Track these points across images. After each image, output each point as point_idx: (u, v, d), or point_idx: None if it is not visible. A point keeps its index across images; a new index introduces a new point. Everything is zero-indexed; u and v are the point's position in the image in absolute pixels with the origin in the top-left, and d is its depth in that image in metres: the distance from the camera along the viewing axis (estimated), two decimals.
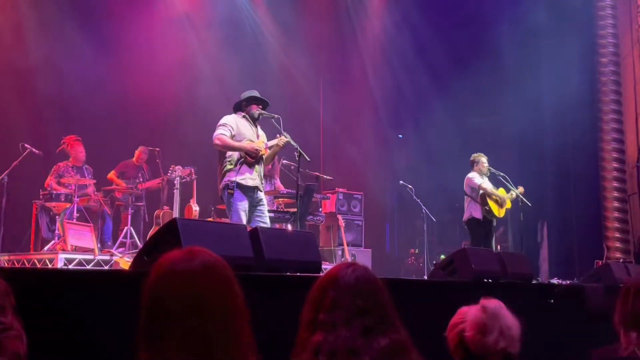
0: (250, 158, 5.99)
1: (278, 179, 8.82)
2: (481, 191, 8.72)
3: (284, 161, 8.73)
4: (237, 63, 10.40)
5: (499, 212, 8.78)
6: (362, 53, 12.03)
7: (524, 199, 8.89)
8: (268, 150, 6.17)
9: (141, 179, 9.04)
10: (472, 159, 9.02)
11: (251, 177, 6.00)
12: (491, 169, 8.92)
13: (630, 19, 11.33)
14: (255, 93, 6.28)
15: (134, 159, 9.33)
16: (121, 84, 9.48)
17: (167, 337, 1.37)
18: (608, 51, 11.25)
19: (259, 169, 6.09)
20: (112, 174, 9.09)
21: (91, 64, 9.40)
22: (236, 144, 6.00)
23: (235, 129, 6.05)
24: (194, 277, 1.43)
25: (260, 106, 6.24)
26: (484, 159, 8.94)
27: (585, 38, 11.14)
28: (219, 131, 6.01)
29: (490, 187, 8.82)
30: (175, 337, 1.37)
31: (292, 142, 6.11)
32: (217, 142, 6.00)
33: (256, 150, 5.99)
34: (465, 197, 8.93)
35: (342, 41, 11.74)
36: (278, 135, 6.19)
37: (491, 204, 8.73)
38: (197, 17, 10.73)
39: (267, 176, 8.68)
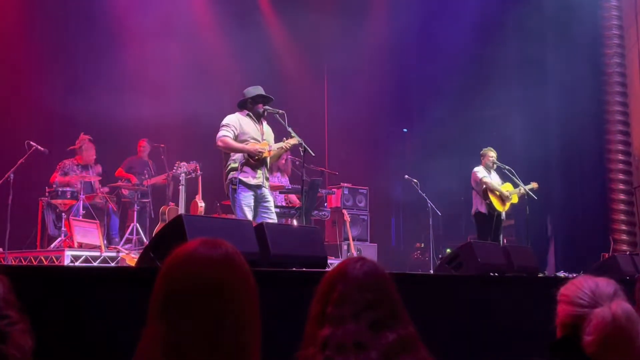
0: (253, 160, 5.99)
1: (287, 177, 8.82)
2: (484, 185, 8.73)
3: (290, 157, 8.73)
4: (240, 57, 10.39)
5: (500, 207, 8.76)
6: (366, 47, 12.00)
7: (530, 193, 8.88)
8: (273, 151, 6.15)
9: (147, 175, 9.05)
10: (481, 152, 9.04)
11: (254, 177, 6.00)
12: (497, 162, 8.92)
13: (636, 11, 11.28)
14: (260, 90, 6.23)
15: (138, 152, 9.34)
16: (125, 80, 9.48)
17: (182, 316, 1.44)
18: (613, 43, 11.20)
19: (263, 169, 6.09)
20: (119, 171, 9.11)
21: (96, 60, 9.41)
22: (238, 145, 5.99)
23: (238, 128, 6.04)
24: (215, 264, 1.49)
25: (265, 104, 6.21)
26: (491, 153, 8.94)
27: (591, 30, 11.08)
28: (221, 133, 6.00)
29: (493, 182, 8.80)
30: (190, 318, 1.43)
31: (298, 139, 6.09)
32: (219, 144, 6.02)
33: (259, 152, 5.99)
34: (472, 190, 8.95)
35: (346, 35, 11.70)
36: (285, 138, 6.18)
37: (492, 198, 8.72)
38: (201, 11, 10.72)
39: (282, 170, 8.70)
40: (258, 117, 6.20)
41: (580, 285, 2.18)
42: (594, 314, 2.07)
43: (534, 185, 9.01)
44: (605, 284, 2.18)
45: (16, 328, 1.67)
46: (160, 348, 1.42)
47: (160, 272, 1.52)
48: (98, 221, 7.88)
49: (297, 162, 8.42)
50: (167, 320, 1.44)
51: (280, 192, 8.44)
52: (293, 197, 8.73)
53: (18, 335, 1.66)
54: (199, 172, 8.21)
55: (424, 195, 9.58)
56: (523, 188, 8.83)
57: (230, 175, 5.99)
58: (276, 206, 7.35)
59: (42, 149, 8.06)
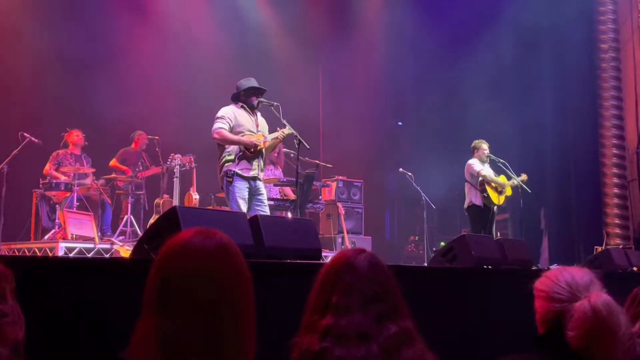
0: (249, 152, 5.98)
1: (281, 170, 8.81)
2: (480, 178, 8.73)
3: (284, 149, 8.72)
4: (236, 48, 10.37)
5: (497, 200, 8.78)
6: (362, 39, 11.98)
7: (524, 186, 8.90)
8: (268, 142, 6.15)
9: (141, 167, 9.03)
10: (472, 145, 9.02)
11: (250, 169, 6.00)
12: (491, 155, 8.93)
13: (631, 5, 11.29)
14: (253, 82, 6.22)
15: (133, 145, 9.31)
16: (120, 72, 9.44)
17: (177, 307, 1.43)
18: (608, 37, 11.22)
19: (258, 161, 6.08)
20: (114, 162, 9.07)
21: (90, 53, 9.37)
22: (235, 137, 5.99)
23: (233, 120, 6.03)
24: (209, 254, 1.48)
25: (259, 96, 6.20)
26: (484, 146, 8.94)
27: (586, 24, 11.09)
28: (217, 125, 5.99)
29: (490, 174, 8.82)
30: (184, 309, 1.43)
31: (292, 131, 6.09)
32: (215, 136, 6.00)
33: (255, 144, 5.98)
34: (465, 183, 8.94)
35: (341, 28, 11.68)
36: (278, 128, 6.18)
37: (490, 191, 8.73)
38: (197, 5, 10.68)
39: (274, 163, 8.68)
40: (252, 109, 6.19)
41: (556, 279, 2.16)
42: (574, 308, 2.05)
43: (523, 177, 9.03)
44: (580, 275, 2.15)
45: (5, 321, 1.63)
46: (154, 340, 1.41)
47: (154, 263, 1.51)
48: (92, 213, 7.87)
49: (292, 155, 8.42)
50: (161, 311, 1.44)
51: (274, 185, 8.44)
52: (288, 190, 8.73)
53: (7, 328, 1.62)
54: (193, 164, 8.20)
55: (418, 188, 9.59)
56: (516, 180, 8.85)
57: (225, 168, 5.99)
58: (271, 199, 7.36)
59: (36, 140, 8.05)
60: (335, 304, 1.71)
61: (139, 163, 9.10)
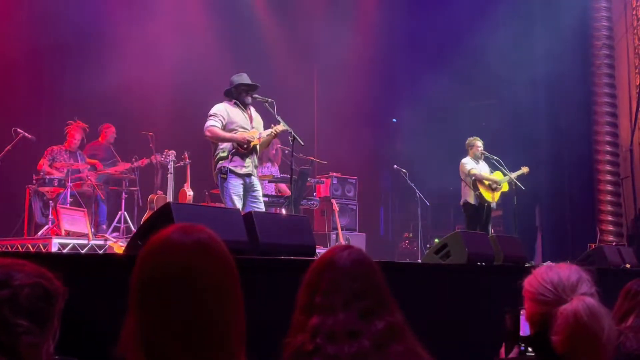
0: (242, 149, 5.97)
1: (277, 166, 8.80)
2: (472, 177, 8.74)
3: (279, 146, 8.71)
4: (229, 43, 10.34)
5: (490, 197, 8.78)
6: (356, 35, 11.96)
7: (518, 183, 8.91)
8: (262, 138, 6.14)
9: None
10: (467, 142, 9.03)
11: (244, 166, 5.99)
12: (485, 152, 8.94)
13: (625, 2, 11.32)
14: (244, 78, 6.20)
15: (100, 138, 9.17)
16: (114, 68, 9.40)
17: (156, 304, 1.40)
18: (602, 34, 11.24)
19: (252, 158, 6.07)
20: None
21: (85, 49, 9.33)
22: (227, 135, 5.97)
23: (226, 117, 6.02)
24: (188, 251, 1.44)
25: (249, 92, 6.18)
26: (478, 143, 8.94)
27: (580, 21, 11.10)
28: (209, 122, 5.98)
29: (481, 172, 8.81)
30: (163, 306, 1.40)
31: (286, 127, 6.08)
32: (207, 134, 5.99)
33: (247, 141, 5.97)
34: (461, 181, 8.96)
35: (336, 23, 11.66)
36: (273, 124, 6.17)
37: (481, 188, 8.73)
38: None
39: (271, 160, 8.68)
40: (245, 105, 6.17)
41: (542, 280, 2.13)
42: (558, 312, 2.03)
43: (524, 169, 9.03)
44: (567, 274, 2.13)
45: (23, 340, 1.51)
46: (137, 336, 1.40)
47: (137, 260, 1.50)
48: (86, 209, 7.84)
49: (287, 151, 8.41)
50: (142, 308, 1.41)
51: (269, 182, 8.43)
52: (283, 187, 8.71)
53: (24, 349, 1.52)
54: (187, 160, 8.18)
55: (412, 185, 9.59)
56: (510, 177, 8.86)
57: (219, 164, 5.98)
58: (266, 195, 7.35)
59: (29, 136, 8.01)
60: (319, 304, 1.71)
61: (111, 157, 9.01)
